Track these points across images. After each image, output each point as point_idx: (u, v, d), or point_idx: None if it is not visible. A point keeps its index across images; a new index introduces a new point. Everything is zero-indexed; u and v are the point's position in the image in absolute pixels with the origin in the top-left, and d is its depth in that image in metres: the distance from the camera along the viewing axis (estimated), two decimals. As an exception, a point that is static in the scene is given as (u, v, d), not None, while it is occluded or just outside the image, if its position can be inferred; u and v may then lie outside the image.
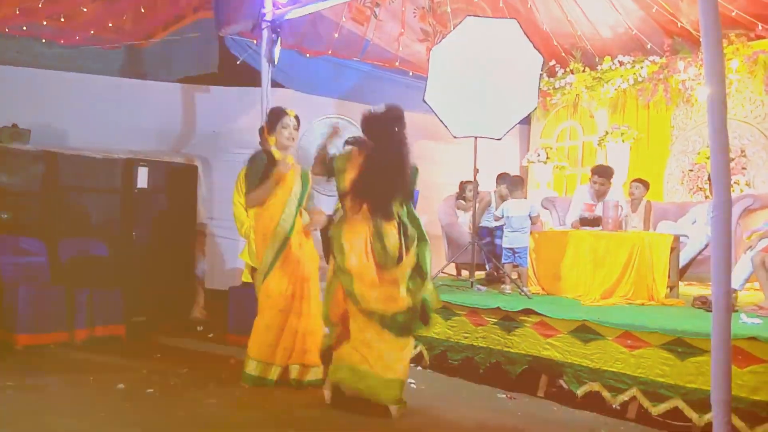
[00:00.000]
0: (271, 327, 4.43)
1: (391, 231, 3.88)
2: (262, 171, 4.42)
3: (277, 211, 4.46)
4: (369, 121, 3.97)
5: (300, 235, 4.57)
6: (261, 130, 5.69)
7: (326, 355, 4.10)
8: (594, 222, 5.66)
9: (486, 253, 6.32)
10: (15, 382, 4.32)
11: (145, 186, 6.64)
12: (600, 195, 6.09)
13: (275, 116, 4.60)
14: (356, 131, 7.25)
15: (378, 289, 3.80)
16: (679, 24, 7.55)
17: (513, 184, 5.97)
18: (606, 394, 3.97)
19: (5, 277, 5.59)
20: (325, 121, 7.76)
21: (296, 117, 4.65)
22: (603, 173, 6.16)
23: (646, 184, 6.48)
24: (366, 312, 3.80)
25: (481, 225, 6.53)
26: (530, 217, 5.66)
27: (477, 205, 6.21)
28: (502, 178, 6.65)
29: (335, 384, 3.91)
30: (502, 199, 6.45)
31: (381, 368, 3.75)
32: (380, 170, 3.86)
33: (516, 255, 5.64)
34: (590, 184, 6.22)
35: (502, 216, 5.80)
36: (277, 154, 4.52)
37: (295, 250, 4.49)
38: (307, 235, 4.67)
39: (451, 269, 7.13)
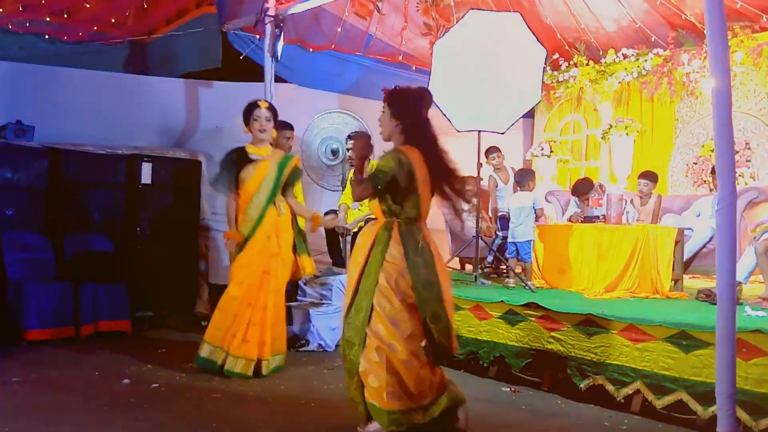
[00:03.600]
0: (223, 310, 4.57)
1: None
2: (232, 167, 4.64)
3: (245, 201, 4.59)
4: (401, 97, 3.42)
5: (273, 227, 4.63)
6: None
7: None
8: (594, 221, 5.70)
9: (491, 248, 6.30)
10: (21, 378, 4.34)
11: (149, 181, 6.65)
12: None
13: (247, 110, 4.71)
14: (359, 126, 7.32)
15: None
16: (684, 16, 7.52)
17: (523, 176, 5.92)
18: (610, 387, 3.97)
19: (11, 273, 5.61)
20: (327, 117, 7.76)
21: (269, 108, 4.69)
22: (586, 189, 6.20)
23: (654, 178, 6.46)
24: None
25: (500, 214, 6.47)
26: (534, 210, 5.64)
27: (479, 198, 6.20)
28: (490, 150, 6.65)
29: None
30: (498, 169, 6.47)
31: None
32: (442, 154, 3.40)
33: (518, 250, 5.62)
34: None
35: (507, 211, 5.79)
36: (249, 148, 4.64)
37: (260, 240, 4.56)
38: (315, 228, 4.71)
39: (455, 263, 7.13)
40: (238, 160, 4.68)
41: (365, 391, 3.25)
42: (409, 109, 3.40)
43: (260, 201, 4.60)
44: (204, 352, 4.53)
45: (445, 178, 3.40)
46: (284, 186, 4.73)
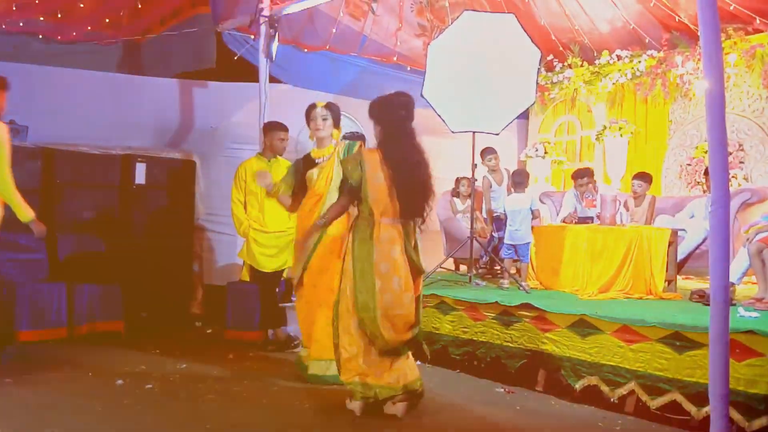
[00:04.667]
0: (303, 316, 4.60)
1: (415, 235, 3.80)
2: (296, 172, 4.71)
3: (316, 203, 4.56)
4: (378, 106, 3.79)
5: (343, 226, 4.42)
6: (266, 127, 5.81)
7: None
8: (587, 221, 5.71)
9: (485, 248, 6.31)
10: (14, 378, 4.33)
11: (143, 182, 6.63)
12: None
13: (306, 112, 4.67)
14: (353, 126, 7.31)
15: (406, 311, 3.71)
16: (677, 18, 7.54)
17: (518, 177, 5.91)
18: (604, 387, 3.98)
19: (4, 274, 5.58)
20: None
21: (326, 107, 4.61)
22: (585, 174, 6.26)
23: (648, 179, 6.48)
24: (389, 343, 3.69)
25: (495, 215, 6.44)
26: (531, 212, 5.63)
27: (473, 199, 6.21)
28: (486, 151, 6.60)
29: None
30: (493, 170, 6.47)
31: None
32: (412, 164, 3.71)
33: (517, 251, 5.62)
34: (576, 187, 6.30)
35: (503, 212, 5.78)
36: (313, 152, 4.67)
37: (327, 241, 4.49)
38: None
39: (449, 264, 7.13)
40: (304, 165, 4.63)
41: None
42: (379, 115, 3.79)
43: (331, 201, 4.43)
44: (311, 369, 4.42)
45: (404, 181, 3.70)
46: None
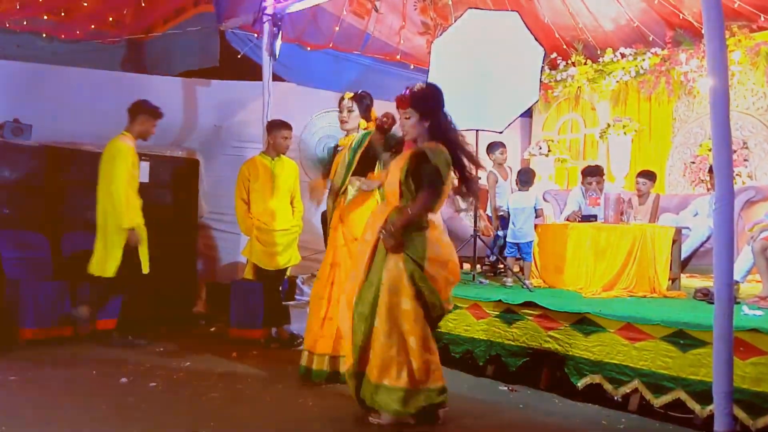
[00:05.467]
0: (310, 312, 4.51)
1: None
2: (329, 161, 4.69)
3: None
4: (432, 98, 3.64)
5: (338, 217, 4.47)
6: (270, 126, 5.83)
7: None
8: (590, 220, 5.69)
9: (491, 248, 6.30)
10: (18, 376, 4.34)
11: (147, 180, 6.62)
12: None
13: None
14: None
15: None
16: (681, 16, 7.53)
17: (524, 176, 5.88)
18: (608, 386, 3.98)
19: (8, 272, 5.60)
20: (325, 116, 7.76)
21: (352, 98, 4.57)
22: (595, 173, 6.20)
23: (653, 177, 6.47)
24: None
25: (500, 213, 6.42)
26: (535, 210, 5.63)
27: (477, 197, 6.18)
28: (495, 145, 6.52)
29: None
30: (499, 165, 6.46)
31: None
32: (465, 149, 3.62)
33: (520, 250, 5.61)
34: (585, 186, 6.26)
35: (507, 210, 5.77)
36: (340, 140, 4.65)
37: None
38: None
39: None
40: (335, 154, 4.63)
41: (372, 371, 3.43)
42: (432, 107, 3.59)
43: (334, 188, 4.48)
44: (302, 360, 4.40)
45: (461, 173, 3.61)
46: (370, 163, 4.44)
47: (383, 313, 3.43)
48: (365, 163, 4.39)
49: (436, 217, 3.64)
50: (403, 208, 3.51)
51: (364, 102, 4.58)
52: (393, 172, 3.64)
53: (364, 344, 3.47)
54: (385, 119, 4.01)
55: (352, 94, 4.61)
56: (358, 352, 3.49)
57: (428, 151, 3.48)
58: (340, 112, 4.58)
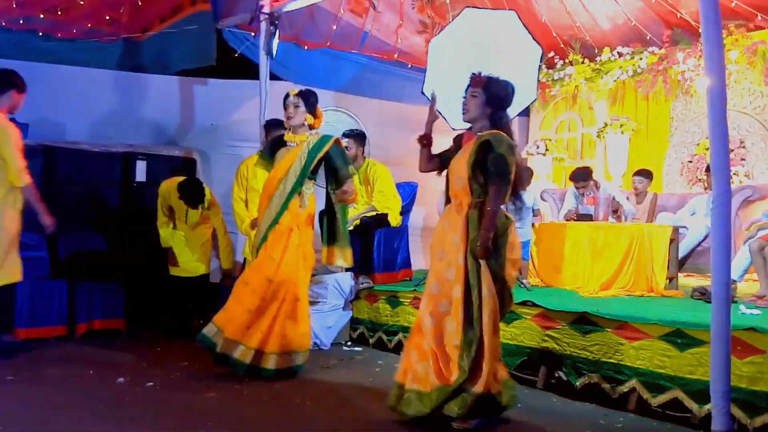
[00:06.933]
0: (235, 296, 4.50)
1: None
2: (266, 152, 4.84)
3: (272, 187, 4.58)
4: (499, 87, 3.65)
5: (294, 219, 4.55)
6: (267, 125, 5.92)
7: None
8: (586, 218, 5.69)
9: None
10: (15, 376, 4.33)
11: (144, 179, 6.63)
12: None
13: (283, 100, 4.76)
14: (354, 123, 7.31)
15: None
16: (679, 15, 7.53)
17: (524, 175, 5.85)
18: (605, 385, 3.98)
19: (5, 272, 5.58)
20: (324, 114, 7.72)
21: (297, 94, 4.68)
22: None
23: (650, 176, 6.46)
24: None
25: None
26: (533, 210, 5.63)
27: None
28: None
29: None
30: None
31: None
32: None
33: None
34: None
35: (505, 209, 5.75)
36: (287, 135, 4.74)
37: (280, 230, 4.52)
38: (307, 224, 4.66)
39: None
40: (273, 146, 4.76)
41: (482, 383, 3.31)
42: (501, 97, 3.60)
43: (286, 190, 4.53)
44: (207, 329, 4.41)
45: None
46: (327, 172, 4.68)
47: (488, 329, 3.34)
48: (316, 169, 4.61)
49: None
50: (482, 207, 3.42)
51: (310, 99, 4.68)
52: (456, 169, 3.57)
53: (475, 363, 3.34)
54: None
55: (296, 91, 4.72)
56: (467, 373, 3.32)
57: (492, 139, 3.43)
58: (286, 108, 4.66)
